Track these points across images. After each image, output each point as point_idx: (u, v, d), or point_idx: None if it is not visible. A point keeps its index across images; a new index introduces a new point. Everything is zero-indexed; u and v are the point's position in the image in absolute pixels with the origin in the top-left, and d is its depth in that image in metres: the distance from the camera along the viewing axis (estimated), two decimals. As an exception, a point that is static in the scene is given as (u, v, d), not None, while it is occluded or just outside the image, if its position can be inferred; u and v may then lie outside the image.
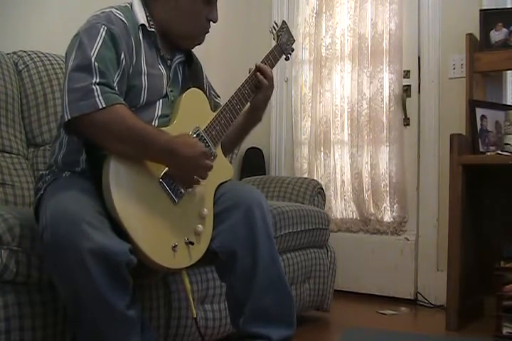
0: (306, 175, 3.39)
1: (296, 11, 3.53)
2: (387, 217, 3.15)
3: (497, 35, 2.69)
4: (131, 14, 1.55)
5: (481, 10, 2.75)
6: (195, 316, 1.56)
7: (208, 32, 1.66)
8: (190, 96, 1.62)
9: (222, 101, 1.75)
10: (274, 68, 1.79)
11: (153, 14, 1.58)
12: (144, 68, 1.54)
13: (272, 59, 1.77)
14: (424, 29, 3.04)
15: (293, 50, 1.89)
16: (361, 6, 3.23)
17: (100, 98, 1.36)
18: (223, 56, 3.35)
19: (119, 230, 1.32)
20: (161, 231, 1.41)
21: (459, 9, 2.94)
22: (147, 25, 1.56)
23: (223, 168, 1.66)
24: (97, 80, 1.38)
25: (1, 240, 1.32)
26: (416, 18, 3.08)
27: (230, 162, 1.83)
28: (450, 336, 2.36)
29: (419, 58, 3.07)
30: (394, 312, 2.77)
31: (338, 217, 3.30)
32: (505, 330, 2.19)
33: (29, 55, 2.15)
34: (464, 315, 2.44)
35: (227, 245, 1.52)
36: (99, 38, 1.43)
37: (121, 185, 1.36)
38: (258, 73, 1.71)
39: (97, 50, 1.41)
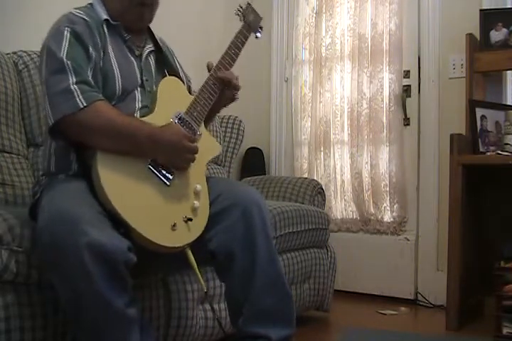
0: (306, 175, 3.39)
1: (296, 11, 3.53)
2: (387, 217, 3.15)
3: (497, 35, 2.69)
4: (93, 12, 1.60)
5: (481, 10, 2.75)
6: (205, 290, 1.55)
7: (145, 5, 1.62)
8: (166, 85, 1.65)
9: None
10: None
11: (108, 8, 1.63)
12: (114, 60, 1.58)
13: (241, 37, 1.80)
14: (424, 29, 3.04)
15: (261, 27, 1.90)
16: (361, 6, 3.23)
17: (80, 97, 1.42)
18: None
19: (120, 228, 1.33)
20: (158, 214, 1.43)
21: (459, 9, 2.94)
22: (110, 19, 1.60)
23: (210, 145, 1.71)
24: (74, 80, 1.43)
25: (1, 240, 1.32)
26: (416, 18, 3.08)
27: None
28: (450, 336, 2.36)
29: (419, 58, 3.06)
30: (394, 312, 2.77)
31: (338, 217, 3.30)
32: (505, 330, 2.18)
33: (29, 55, 2.15)
34: (464, 315, 2.44)
35: (225, 245, 1.52)
36: (64, 40, 1.48)
37: (111, 176, 1.38)
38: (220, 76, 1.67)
39: (65, 51, 1.46)
